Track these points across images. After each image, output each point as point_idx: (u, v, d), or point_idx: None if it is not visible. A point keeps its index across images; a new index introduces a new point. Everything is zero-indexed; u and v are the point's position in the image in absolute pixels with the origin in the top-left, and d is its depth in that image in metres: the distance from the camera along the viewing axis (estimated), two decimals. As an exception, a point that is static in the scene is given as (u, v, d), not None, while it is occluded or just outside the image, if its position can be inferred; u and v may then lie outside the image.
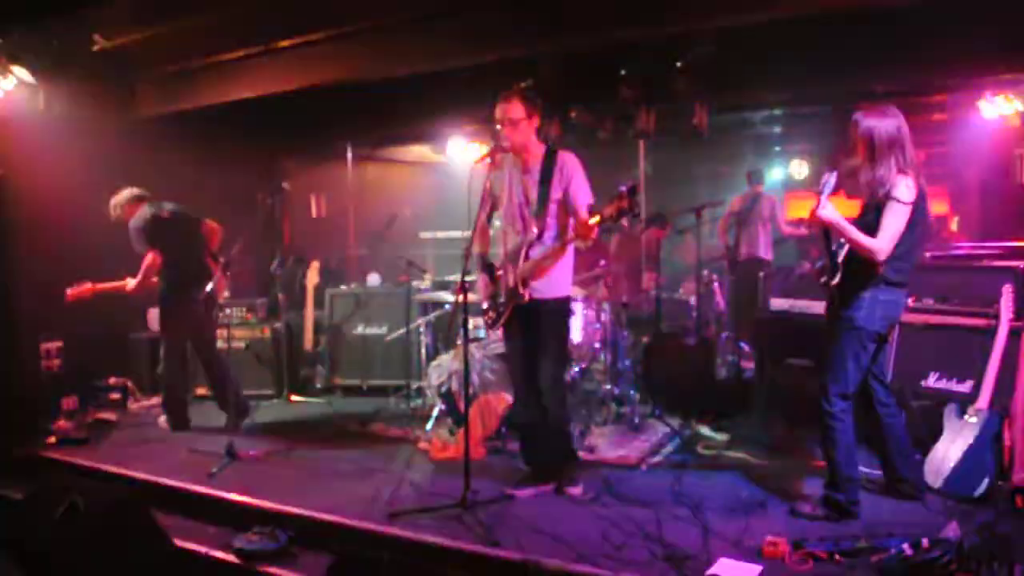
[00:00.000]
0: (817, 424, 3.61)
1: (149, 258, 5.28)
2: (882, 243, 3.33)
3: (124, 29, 5.44)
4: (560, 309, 3.96)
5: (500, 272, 3.96)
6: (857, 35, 4.84)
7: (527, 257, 3.81)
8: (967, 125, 6.90)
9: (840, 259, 3.51)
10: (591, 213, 3.58)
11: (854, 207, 3.57)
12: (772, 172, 8.11)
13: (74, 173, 5.99)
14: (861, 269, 3.42)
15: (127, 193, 5.41)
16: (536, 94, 3.87)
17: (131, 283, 5.34)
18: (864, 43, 4.83)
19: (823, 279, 3.59)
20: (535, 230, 3.81)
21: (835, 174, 3.43)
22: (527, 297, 3.79)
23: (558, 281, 3.88)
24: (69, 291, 5.31)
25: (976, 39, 4.71)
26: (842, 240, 3.46)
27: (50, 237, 5.85)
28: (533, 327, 3.89)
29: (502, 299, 3.91)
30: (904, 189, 3.33)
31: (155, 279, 5.36)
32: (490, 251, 4.18)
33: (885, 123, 3.39)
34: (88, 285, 5.31)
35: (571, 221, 3.79)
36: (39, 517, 3.44)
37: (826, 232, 3.54)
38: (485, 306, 4.02)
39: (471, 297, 3.77)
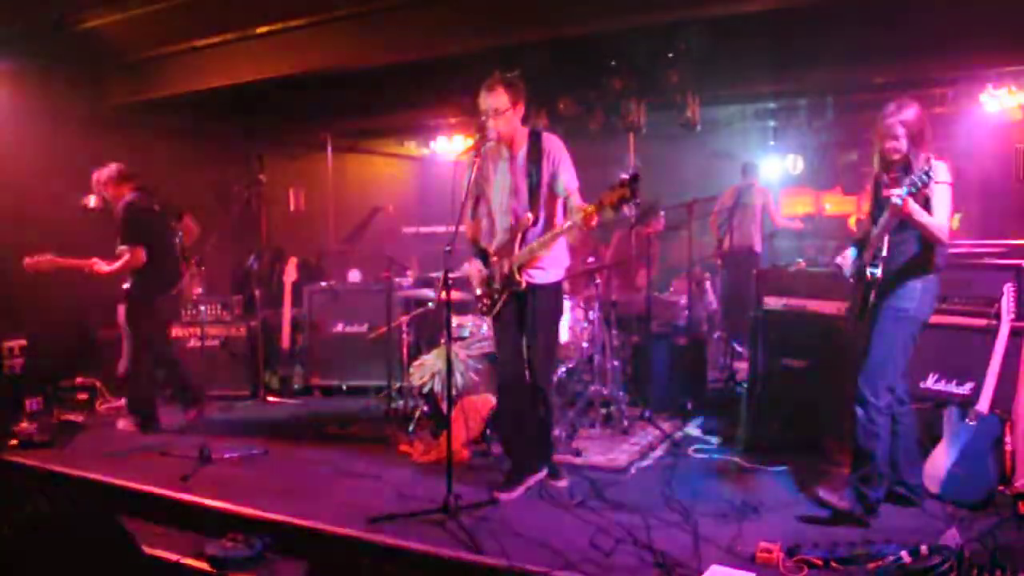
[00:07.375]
0: (812, 426, 3.54)
1: (130, 256, 5.06)
2: (946, 225, 3.34)
3: (94, 11, 5.29)
4: (555, 293, 4.00)
5: (495, 259, 3.94)
6: (856, 25, 4.80)
7: (523, 244, 3.81)
8: (968, 119, 6.90)
9: (884, 252, 3.45)
10: (596, 203, 3.49)
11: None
12: (767, 167, 8.08)
13: (39, 162, 5.86)
14: (914, 259, 3.42)
15: (113, 169, 5.15)
16: (520, 79, 3.83)
17: (102, 266, 5.09)
18: (863, 33, 4.79)
19: (868, 272, 3.48)
20: (530, 216, 3.82)
21: (925, 171, 3.32)
22: (524, 284, 3.81)
23: (554, 266, 3.93)
24: (27, 260, 5.04)
25: (978, 30, 4.68)
26: (883, 234, 3.42)
27: (11, 229, 5.66)
28: (527, 311, 3.90)
29: (497, 286, 3.91)
30: (944, 172, 3.34)
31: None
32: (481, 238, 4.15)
33: (917, 112, 3.40)
34: (48, 256, 5.05)
35: (558, 206, 3.83)
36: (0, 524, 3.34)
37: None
38: (479, 292, 4.01)
39: (455, 295, 3.74)
